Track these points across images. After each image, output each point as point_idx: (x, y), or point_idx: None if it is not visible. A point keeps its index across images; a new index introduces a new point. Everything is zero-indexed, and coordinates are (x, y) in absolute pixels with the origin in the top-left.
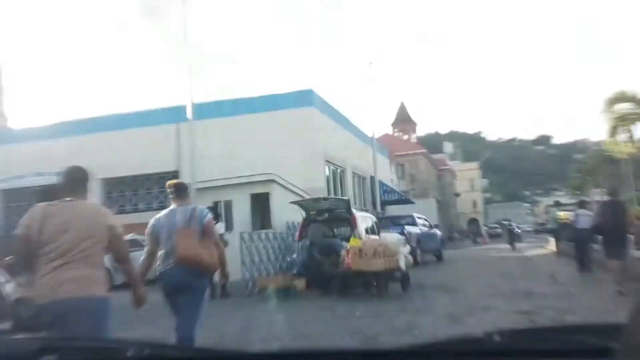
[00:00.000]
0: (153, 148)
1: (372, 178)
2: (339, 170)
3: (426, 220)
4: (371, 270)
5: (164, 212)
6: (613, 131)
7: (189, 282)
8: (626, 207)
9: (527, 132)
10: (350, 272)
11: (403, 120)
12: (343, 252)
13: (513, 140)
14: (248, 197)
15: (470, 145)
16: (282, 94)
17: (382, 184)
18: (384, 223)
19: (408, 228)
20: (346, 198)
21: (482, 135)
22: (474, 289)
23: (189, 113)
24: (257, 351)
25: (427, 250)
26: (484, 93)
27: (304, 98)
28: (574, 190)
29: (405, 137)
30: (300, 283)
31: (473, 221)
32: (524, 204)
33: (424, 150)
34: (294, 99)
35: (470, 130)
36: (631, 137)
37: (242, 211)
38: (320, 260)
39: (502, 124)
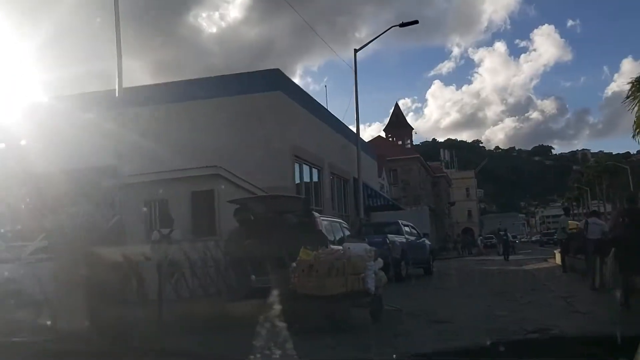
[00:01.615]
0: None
1: (356, 180)
2: (313, 169)
3: (414, 228)
4: (324, 294)
5: None
6: None
7: None
8: None
9: (526, 142)
10: (297, 296)
11: (398, 124)
12: (290, 270)
13: (511, 150)
14: (189, 196)
15: (467, 154)
16: (242, 74)
17: (366, 187)
18: (364, 230)
19: (392, 237)
20: (302, 197)
21: (481, 144)
22: (467, 320)
23: (119, 95)
24: None
25: (414, 263)
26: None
27: (269, 80)
28: (572, 201)
29: (400, 142)
30: (235, 308)
31: (468, 231)
32: (519, 215)
33: (418, 156)
34: (256, 81)
35: (469, 138)
36: None
37: (181, 213)
38: (257, 280)
39: (502, 133)
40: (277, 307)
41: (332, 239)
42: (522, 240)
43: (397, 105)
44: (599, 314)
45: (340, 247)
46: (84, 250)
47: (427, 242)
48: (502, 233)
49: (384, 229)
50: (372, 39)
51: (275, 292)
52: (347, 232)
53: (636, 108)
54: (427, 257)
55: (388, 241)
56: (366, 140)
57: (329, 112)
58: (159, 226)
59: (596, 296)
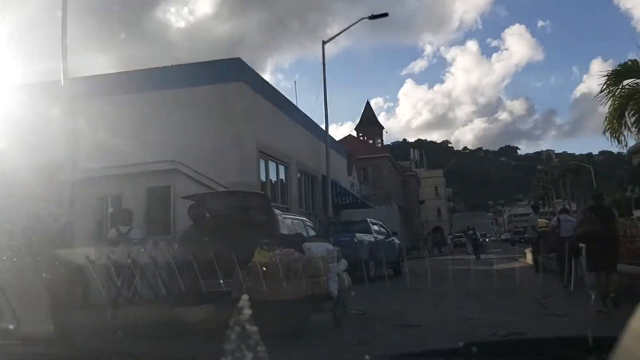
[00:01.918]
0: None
1: (325, 178)
2: (280, 166)
3: (383, 227)
4: (281, 298)
5: None
6: (617, 115)
7: None
8: (614, 212)
9: (494, 143)
10: (251, 302)
11: (369, 123)
12: (245, 273)
13: (479, 150)
14: (144, 192)
15: (436, 154)
16: (201, 64)
17: (335, 185)
18: (332, 229)
19: (360, 236)
20: (262, 193)
21: (450, 145)
22: (437, 324)
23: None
24: None
25: (383, 262)
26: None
27: (230, 70)
28: (538, 200)
29: (371, 141)
30: (187, 314)
31: (437, 230)
32: (487, 214)
33: (388, 155)
34: (216, 71)
35: (439, 139)
36: None
37: (136, 210)
38: (208, 284)
39: (471, 134)
40: (229, 313)
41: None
42: (492, 239)
43: (368, 104)
44: (576, 317)
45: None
46: (31, 252)
47: (396, 241)
48: (471, 232)
49: (352, 227)
50: (341, 31)
51: (227, 297)
52: (312, 232)
53: (609, 102)
54: (397, 256)
55: (356, 240)
56: (337, 139)
57: (297, 108)
58: (117, 223)
59: (571, 298)
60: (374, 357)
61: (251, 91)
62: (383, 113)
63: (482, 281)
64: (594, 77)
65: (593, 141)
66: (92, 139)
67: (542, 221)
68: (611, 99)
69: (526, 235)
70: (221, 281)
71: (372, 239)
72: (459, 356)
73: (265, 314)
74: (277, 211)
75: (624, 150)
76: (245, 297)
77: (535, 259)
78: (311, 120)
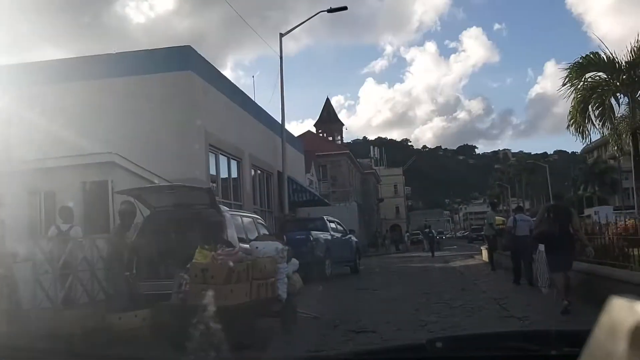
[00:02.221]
0: None
1: (280, 174)
2: (232, 161)
3: (340, 224)
4: (223, 304)
5: None
6: (580, 108)
7: None
8: (572, 211)
9: (453, 142)
10: (188, 308)
11: (328, 120)
12: (183, 276)
13: (438, 149)
14: (80, 187)
15: (396, 153)
16: (147, 51)
17: (292, 181)
18: (287, 227)
19: (316, 234)
20: (207, 187)
21: (409, 143)
22: (392, 329)
23: None
24: None
25: (340, 261)
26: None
27: (178, 57)
28: (494, 198)
29: (330, 138)
30: (121, 320)
31: (396, 227)
32: (444, 212)
33: (347, 152)
34: (163, 59)
35: (399, 137)
36: (606, 113)
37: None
38: (141, 287)
39: (430, 133)
40: (163, 320)
41: (244, 237)
42: (447, 236)
43: (327, 100)
44: (536, 319)
45: (247, 246)
46: None
47: (353, 239)
48: (427, 230)
49: (308, 225)
50: (299, 24)
51: (165, 302)
52: (265, 230)
53: (572, 96)
54: (354, 254)
55: (312, 238)
56: (296, 136)
57: (252, 101)
58: (58, 220)
59: (530, 298)
60: (336, 354)
61: (201, 81)
62: (344, 111)
63: (438, 280)
64: (548, 79)
65: (548, 141)
66: (29, 128)
67: (499, 218)
68: (574, 92)
69: (483, 233)
70: (161, 283)
71: (329, 237)
72: (424, 352)
73: (205, 320)
74: (224, 208)
75: (588, 144)
76: (183, 301)
77: (491, 257)
78: (267, 114)
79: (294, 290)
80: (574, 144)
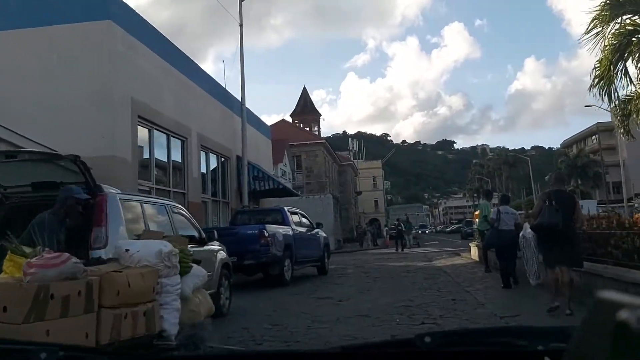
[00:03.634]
0: None
1: (240, 159)
2: (173, 139)
3: (305, 217)
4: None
5: None
6: (614, 60)
7: None
8: (576, 200)
9: (433, 137)
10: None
11: (305, 110)
12: None
13: (417, 144)
14: None
15: (376, 147)
16: None
17: (253, 167)
18: (238, 219)
19: (272, 228)
20: (74, 156)
21: (389, 138)
22: None
23: None
24: None
25: (304, 261)
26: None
27: (95, 4)
28: (473, 192)
29: (307, 129)
30: None
31: (374, 221)
32: (423, 206)
33: (324, 142)
34: (77, 6)
35: (380, 132)
36: None
37: None
38: None
39: (411, 128)
40: None
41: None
42: (428, 231)
43: (305, 90)
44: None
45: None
46: None
47: (321, 234)
48: (396, 223)
49: (264, 218)
50: None
51: None
52: (188, 223)
53: (598, 47)
54: (322, 252)
55: (266, 233)
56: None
57: (204, 72)
58: None
59: (547, 315)
60: (325, 349)
61: (125, 34)
62: (325, 105)
63: (422, 285)
64: (527, 75)
65: (526, 137)
66: None
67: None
68: (602, 40)
69: (476, 227)
70: None
71: (289, 232)
72: (412, 347)
73: None
74: (109, 189)
75: (609, 109)
76: None
77: (485, 256)
78: (224, 90)
79: (195, 319)
80: (551, 140)
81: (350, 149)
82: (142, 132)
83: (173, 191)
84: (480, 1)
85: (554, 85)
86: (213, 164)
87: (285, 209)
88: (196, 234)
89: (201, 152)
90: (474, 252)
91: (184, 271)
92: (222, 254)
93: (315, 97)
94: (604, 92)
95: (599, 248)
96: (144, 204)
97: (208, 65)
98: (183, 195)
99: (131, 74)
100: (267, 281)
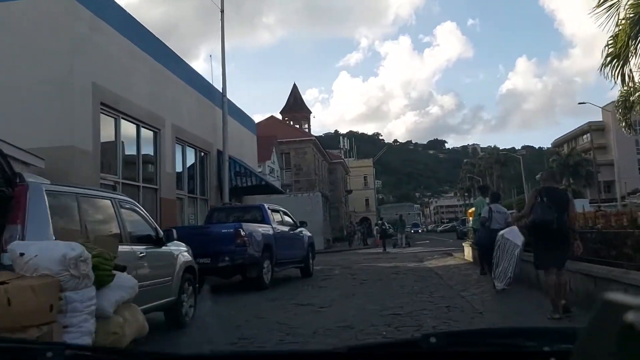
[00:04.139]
0: None
1: (220, 153)
2: (143, 129)
3: (288, 215)
4: None
5: None
6: (633, 33)
7: None
8: (570, 197)
9: (425, 136)
10: None
11: (295, 107)
12: None
13: (408, 143)
14: None
15: (367, 146)
16: None
17: (234, 162)
18: (214, 217)
19: (249, 227)
20: None
21: (381, 137)
22: None
23: None
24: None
25: (286, 262)
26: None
27: None
28: (464, 192)
29: (297, 126)
30: None
31: (364, 220)
32: (415, 205)
33: (313, 139)
34: None
35: (373, 131)
36: None
37: None
38: None
39: (403, 127)
40: None
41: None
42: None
43: (295, 87)
44: None
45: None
46: None
47: (305, 233)
48: (380, 223)
49: (242, 215)
50: None
51: None
52: (140, 219)
53: (611, 21)
54: (305, 253)
55: (243, 233)
56: (257, 121)
57: (180, 59)
58: None
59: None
60: (331, 349)
61: (88, 14)
62: (318, 104)
63: (412, 289)
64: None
65: (516, 136)
66: None
67: (472, 210)
68: (616, 14)
69: (471, 226)
70: None
71: (269, 231)
72: (418, 347)
73: None
74: (32, 178)
75: (621, 90)
76: None
77: (481, 257)
78: (205, 80)
79: (117, 343)
80: (541, 140)
81: (342, 147)
82: (108, 122)
83: (143, 187)
84: (473, 0)
85: (545, 85)
86: (191, 158)
87: (266, 206)
88: (152, 234)
89: (177, 145)
90: (468, 252)
91: (103, 281)
92: (185, 256)
93: (308, 96)
94: (616, 73)
95: (612, 249)
96: (81, 198)
97: (199, 64)
98: (155, 192)
99: (94, 57)
100: (245, 284)
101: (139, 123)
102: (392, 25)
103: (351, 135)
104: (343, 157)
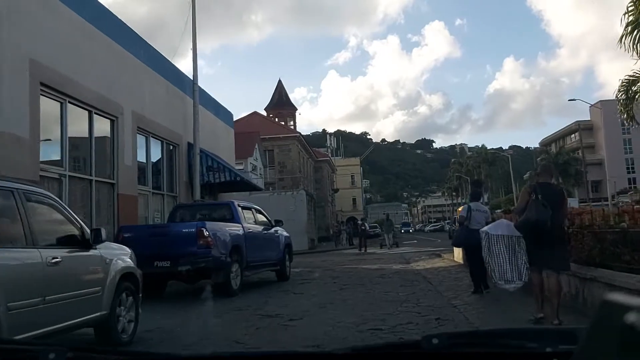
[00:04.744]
0: None
1: (191, 147)
2: (96, 116)
3: (262, 213)
4: None
5: None
6: None
7: None
8: (565, 195)
9: (413, 136)
10: None
11: (280, 104)
12: None
13: (396, 142)
14: None
15: (355, 145)
16: None
17: (207, 156)
18: (178, 215)
19: (214, 226)
20: None
21: (368, 136)
22: None
23: None
24: None
25: (258, 264)
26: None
27: None
28: (452, 191)
29: (282, 123)
30: None
31: (350, 220)
32: (402, 204)
33: (297, 135)
34: None
35: (361, 130)
36: None
37: None
38: None
39: (391, 127)
40: None
41: None
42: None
43: (280, 83)
44: None
45: None
46: None
47: (282, 232)
48: (359, 222)
49: (210, 213)
50: None
51: None
52: (76, 219)
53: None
54: (281, 255)
55: (206, 232)
56: (239, 117)
57: (145, 43)
58: None
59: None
60: (334, 350)
61: None
62: (306, 103)
63: (398, 295)
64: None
65: (503, 136)
66: None
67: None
68: None
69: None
70: None
71: (238, 231)
72: (420, 348)
73: None
74: None
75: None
76: None
77: (471, 270)
78: (174, 67)
79: None
80: (528, 140)
81: (328, 145)
82: (52, 106)
83: (97, 181)
84: (461, 0)
85: (532, 86)
86: (157, 151)
87: (235, 202)
88: (77, 234)
89: (139, 135)
90: (458, 254)
91: None
92: (121, 261)
93: (297, 94)
94: (638, 43)
95: (630, 251)
96: None
97: (187, 61)
98: (112, 186)
99: (33, 32)
100: (212, 291)
101: (91, 109)
102: (380, 24)
103: (339, 134)
104: (330, 155)
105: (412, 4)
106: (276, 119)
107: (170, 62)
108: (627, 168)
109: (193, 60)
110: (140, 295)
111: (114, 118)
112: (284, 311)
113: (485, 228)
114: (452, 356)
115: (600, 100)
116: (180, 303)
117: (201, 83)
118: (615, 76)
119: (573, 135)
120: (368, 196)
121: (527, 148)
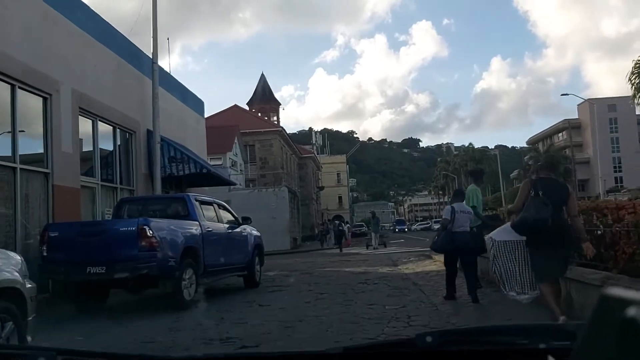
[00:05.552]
0: None
1: (150, 134)
2: (23, 92)
3: (225, 208)
4: None
5: None
6: None
7: None
8: (570, 190)
9: (400, 135)
10: None
11: (264, 99)
12: None
13: (383, 141)
14: None
15: (342, 144)
16: None
17: (168, 145)
18: (125, 211)
19: (161, 223)
20: None
21: (355, 135)
22: None
23: None
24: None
25: (220, 269)
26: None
27: None
28: (439, 190)
29: (266, 118)
30: None
31: (338, 218)
32: (389, 203)
33: (280, 130)
34: None
35: (348, 129)
36: None
37: None
38: None
39: (378, 125)
40: None
41: None
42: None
43: (263, 76)
44: None
45: None
46: None
47: (250, 231)
48: (337, 222)
49: (163, 209)
50: None
51: None
52: None
53: None
54: (249, 257)
55: (150, 232)
56: (223, 113)
57: (91, 11)
58: None
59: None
60: (326, 350)
61: None
62: (294, 101)
63: (383, 307)
64: (493, 74)
65: (489, 136)
66: None
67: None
68: None
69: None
70: None
71: (194, 230)
72: (413, 346)
73: None
74: None
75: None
76: None
77: (447, 273)
78: (132, 45)
79: None
80: (514, 139)
81: (314, 142)
82: None
83: (23, 169)
84: (448, 0)
85: (518, 85)
86: (108, 137)
87: (191, 196)
88: None
89: (81, 118)
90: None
91: None
92: None
93: (284, 92)
94: None
95: None
96: None
97: (174, 58)
98: (45, 177)
99: None
100: (160, 301)
101: (14, 83)
102: (368, 23)
103: (326, 132)
104: (315, 152)
105: (400, 3)
106: (259, 114)
107: (124, 36)
108: (614, 167)
109: (153, 38)
110: (30, 318)
111: (47, 95)
112: (239, 333)
113: (490, 234)
114: (446, 354)
115: (589, 99)
116: (112, 319)
117: (188, 79)
118: (601, 76)
119: (560, 134)
120: (355, 195)
121: (513, 147)
